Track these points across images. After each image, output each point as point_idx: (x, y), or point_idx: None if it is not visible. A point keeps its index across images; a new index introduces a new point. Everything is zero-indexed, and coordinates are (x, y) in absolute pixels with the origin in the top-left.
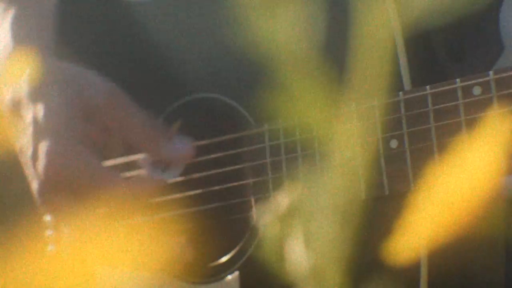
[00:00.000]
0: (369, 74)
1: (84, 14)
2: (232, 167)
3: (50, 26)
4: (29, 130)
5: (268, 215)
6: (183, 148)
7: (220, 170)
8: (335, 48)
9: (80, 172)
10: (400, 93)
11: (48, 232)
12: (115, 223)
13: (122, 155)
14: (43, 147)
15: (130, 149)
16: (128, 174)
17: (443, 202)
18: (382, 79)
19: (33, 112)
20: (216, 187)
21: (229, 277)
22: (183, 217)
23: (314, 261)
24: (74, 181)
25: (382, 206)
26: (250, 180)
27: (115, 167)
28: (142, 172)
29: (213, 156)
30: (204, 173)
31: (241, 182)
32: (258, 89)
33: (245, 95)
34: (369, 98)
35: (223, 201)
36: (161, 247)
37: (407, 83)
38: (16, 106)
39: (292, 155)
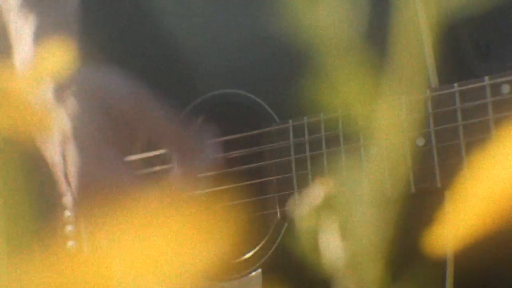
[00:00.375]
0: (399, 70)
1: (106, 10)
2: (263, 162)
3: (74, 25)
4: (56, 136)
5: (303, 208)
6: (211, 160)
7: (249, 166)
8: (376, 37)
9: (110, 178)
10: (427, 90)
11: (69, 228)
12: (144, 226)
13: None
14: (72, 155)
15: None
16: (154, 169)
17: (471, 202)
18: (410, 75)
19: (59, 118)
20: (250, 182)
21: (252, 274)
22: (208, 214)
23: (351, 253)
24: (105, 188)
25: (408, 203)
26: (290, 174)
27: (139, 164)
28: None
29: (243, 151)
30: (235, 168)
31: (280, 176)
32: (292, 82)
33: (273, 89)
34: (397, 94)
35: (251, 197)
36: (186, 246)
37: (434, 81)
38: (41, 109)
39: (334, 149)
